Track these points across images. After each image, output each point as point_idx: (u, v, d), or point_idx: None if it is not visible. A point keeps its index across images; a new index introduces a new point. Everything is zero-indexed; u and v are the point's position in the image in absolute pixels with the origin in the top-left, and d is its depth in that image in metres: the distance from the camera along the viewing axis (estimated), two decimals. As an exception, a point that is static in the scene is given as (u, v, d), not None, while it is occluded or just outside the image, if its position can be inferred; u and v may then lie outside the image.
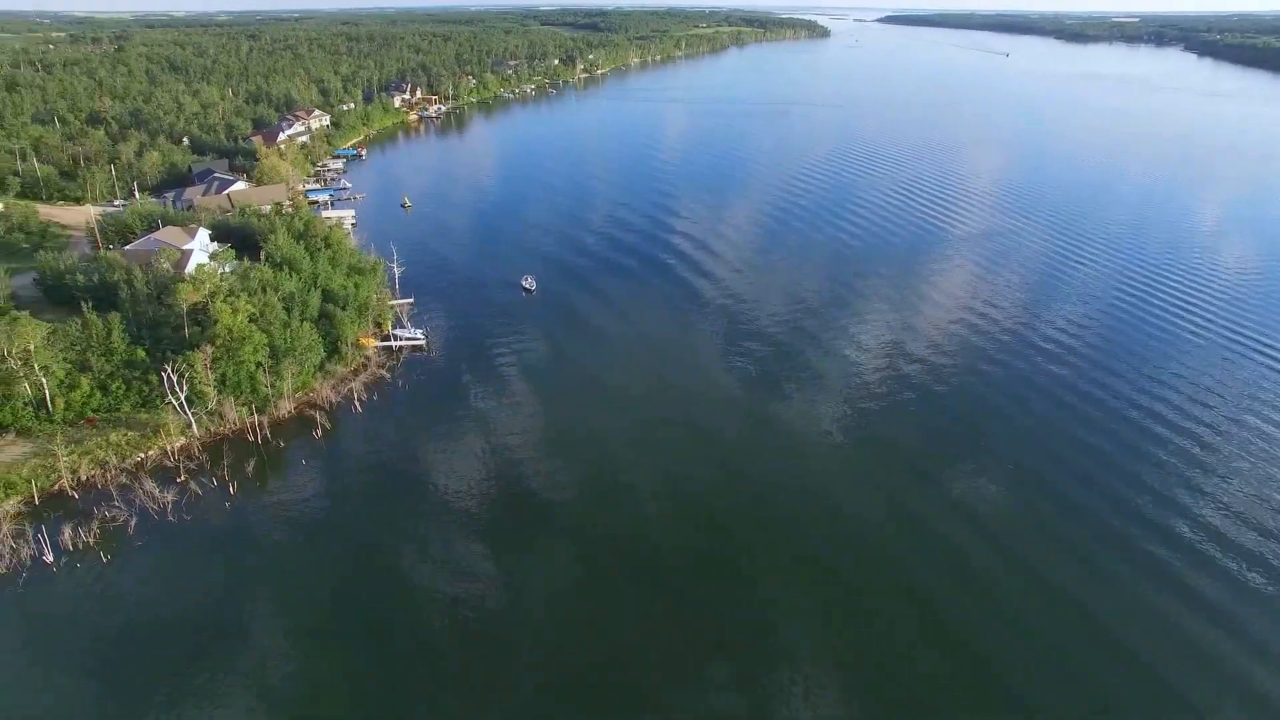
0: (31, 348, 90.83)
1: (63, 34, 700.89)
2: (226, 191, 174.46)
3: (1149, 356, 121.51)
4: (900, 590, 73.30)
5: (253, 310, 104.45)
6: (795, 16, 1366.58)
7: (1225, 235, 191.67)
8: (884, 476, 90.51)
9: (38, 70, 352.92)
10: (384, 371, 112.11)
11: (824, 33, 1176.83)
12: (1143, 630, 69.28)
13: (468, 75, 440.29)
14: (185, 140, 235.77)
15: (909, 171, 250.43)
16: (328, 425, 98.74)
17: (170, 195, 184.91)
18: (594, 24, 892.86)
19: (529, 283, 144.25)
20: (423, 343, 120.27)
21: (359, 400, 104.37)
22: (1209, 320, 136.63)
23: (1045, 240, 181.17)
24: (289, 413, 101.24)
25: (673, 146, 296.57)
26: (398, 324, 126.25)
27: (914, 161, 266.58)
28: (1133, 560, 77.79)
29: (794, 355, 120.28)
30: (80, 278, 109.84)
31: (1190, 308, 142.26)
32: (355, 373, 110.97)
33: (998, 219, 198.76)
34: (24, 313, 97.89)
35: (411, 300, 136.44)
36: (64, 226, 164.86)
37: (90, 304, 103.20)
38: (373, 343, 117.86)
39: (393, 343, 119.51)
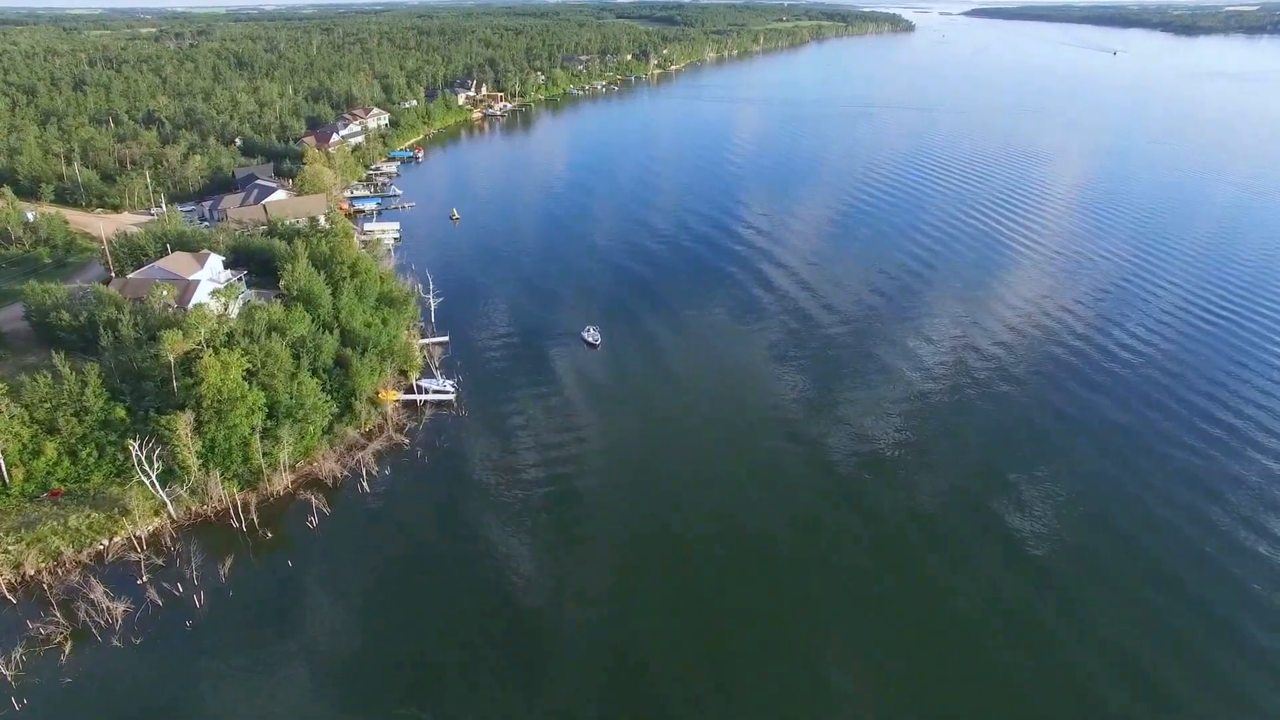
0: (-20, 411, 76.30)
1: (153, 30, 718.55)
2: (264, 202, 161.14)
3: (1229, 384, 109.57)
4: (951, 633, 67.51)
5: (250, 365, 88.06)
6: (878, 10, 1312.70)
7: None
8: (940, 511, 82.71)
9: (109, 67, 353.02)
10: (402, 436, 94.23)
11: (908, 27, 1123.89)
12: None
13: (536, 71, 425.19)
14: (237, 141, 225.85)
15: (994, 184, 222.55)
16: (326, 510, 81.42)
17: (209, 204, 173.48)
18: (670, 17, 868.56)
19: (593, 335, 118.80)
20: (452, 397, 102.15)
21: (367, 475, 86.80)
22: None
23: (1140, 265, 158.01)
24: (284, 489, 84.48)
25: (748, 154, 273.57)
26: (425, 371, 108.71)
27: (1001, 173, 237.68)
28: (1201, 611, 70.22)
29: (871, 383, 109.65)
30: (65, 315, 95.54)
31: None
32: (368, 436, 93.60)
33: (1085, 240, 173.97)
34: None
35: (446, 339, 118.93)
36: (92, 239, 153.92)
37: (64, 353, 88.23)
38: (393, 396, 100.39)
39: (417, 396, 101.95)
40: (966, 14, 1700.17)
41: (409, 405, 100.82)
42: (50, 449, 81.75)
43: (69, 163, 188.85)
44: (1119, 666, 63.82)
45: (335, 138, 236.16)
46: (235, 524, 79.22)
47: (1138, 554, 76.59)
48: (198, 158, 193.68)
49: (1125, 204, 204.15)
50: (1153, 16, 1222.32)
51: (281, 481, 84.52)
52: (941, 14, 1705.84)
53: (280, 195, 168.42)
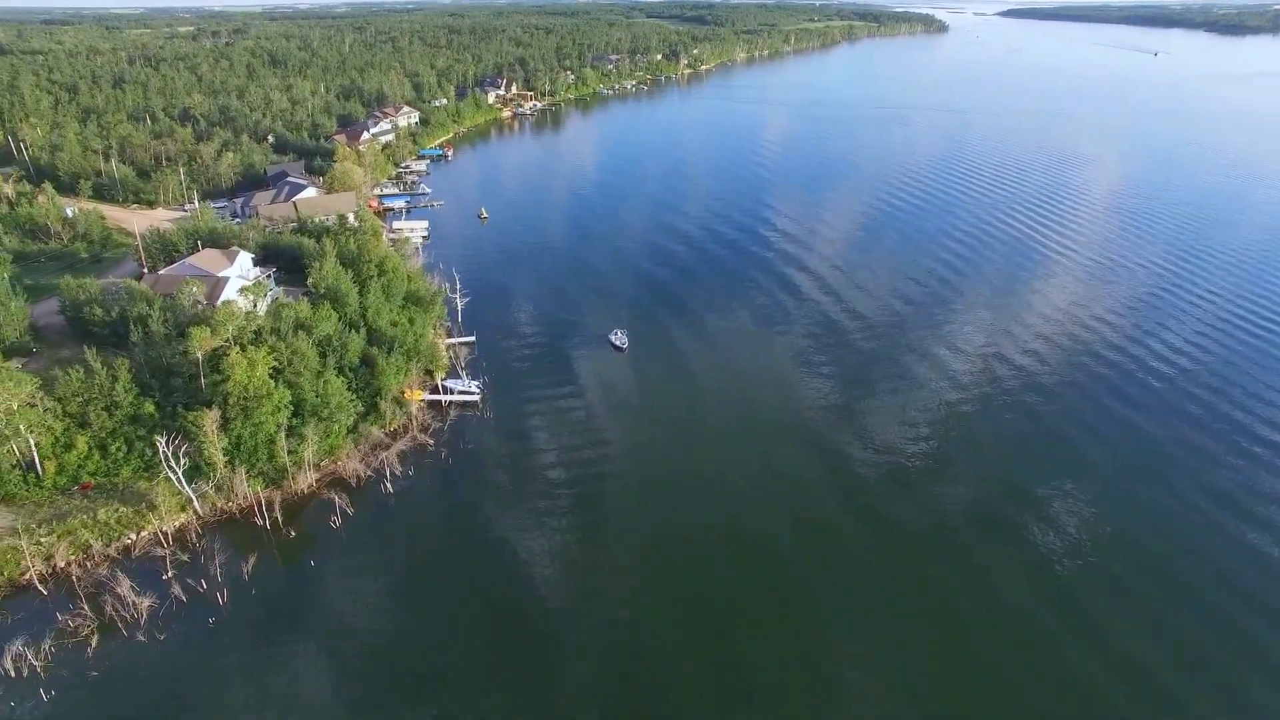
0: (15, 406, 77.57)
1: (191, 28, 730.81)
2: (294, 199, 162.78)
3: (1275, 400, 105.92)
4: (965, 644, 66.96)
5: (276, 363, 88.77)
6: (910, 10, 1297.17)
7: None
8: (962, 523, 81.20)
9: (147, 65, 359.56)
10: (426, 436, 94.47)
11: (941, 28, 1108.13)
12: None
13: (566, 70, 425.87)
14: (270, 138, 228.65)
15: (1027, 189, 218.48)
16: (350, 509, 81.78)
17: (240, 200, 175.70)
18: (700, 17, 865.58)
19: (619, 338, 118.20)
20: (477, 398, 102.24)
21: (391, 475, 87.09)
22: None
23: (1179, 274, 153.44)
24: (309, 487, 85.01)
25: (777, 156, 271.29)
26: (451, 372, 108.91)
27: (1034, 178, 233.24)
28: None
29: (896, 391, 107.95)
30: (98, 311, 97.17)
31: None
32: (393, 436, 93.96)
33: (1121, 247, 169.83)
34: (13, 363, 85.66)
35: (473, 339, 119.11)
36: (128, 234, 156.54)
37: (96, 348, 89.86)
38: (419, 396, 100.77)
39: (442, 397, 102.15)
40: (1001, 14, 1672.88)
41: (434, 405, 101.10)
42: (81, 443, 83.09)
43: (107, 159, 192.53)
44: (1136, 686, 62.47)
45: (366, 135, 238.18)
46: (259, 521, 79.86)
47: (1167, 575, 74.45)
48: (231, 154, 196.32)
49: (1164, 210, 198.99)
50: (1196, 16, 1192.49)
51: (306, 480, 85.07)
52: (975, 14, 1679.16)
53: (311, 192, 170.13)
